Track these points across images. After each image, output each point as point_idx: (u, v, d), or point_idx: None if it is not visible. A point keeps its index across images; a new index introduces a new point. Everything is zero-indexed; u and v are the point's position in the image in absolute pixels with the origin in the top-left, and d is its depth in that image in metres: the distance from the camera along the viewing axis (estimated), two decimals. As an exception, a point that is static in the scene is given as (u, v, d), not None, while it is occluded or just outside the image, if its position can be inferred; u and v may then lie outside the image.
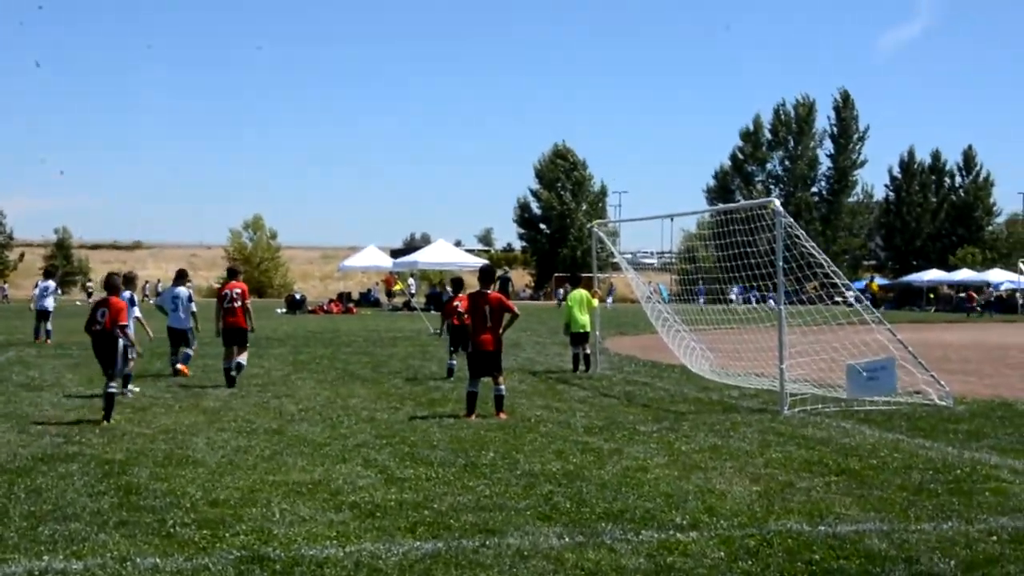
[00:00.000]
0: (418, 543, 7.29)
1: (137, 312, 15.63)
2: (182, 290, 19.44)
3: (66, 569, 6.59)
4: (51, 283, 28.86)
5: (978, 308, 61.23)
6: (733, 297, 30.34)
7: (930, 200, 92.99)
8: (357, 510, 8.28)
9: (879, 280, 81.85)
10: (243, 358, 17.63)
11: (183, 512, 8.13)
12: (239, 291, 17.57)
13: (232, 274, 18.51)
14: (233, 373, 17.13)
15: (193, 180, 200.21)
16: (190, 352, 19.15)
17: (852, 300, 16.02)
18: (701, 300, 26.65)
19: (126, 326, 13.45)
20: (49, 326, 27.89)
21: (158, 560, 6.80)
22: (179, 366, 18.72)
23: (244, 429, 12.48)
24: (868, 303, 16.33)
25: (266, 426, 12.74)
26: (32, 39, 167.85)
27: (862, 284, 64.06)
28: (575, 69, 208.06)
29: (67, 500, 8.53)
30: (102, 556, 6.89)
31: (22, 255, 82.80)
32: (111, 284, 13.99)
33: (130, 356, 14.48)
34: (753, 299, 33.13)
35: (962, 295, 66.73)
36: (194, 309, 19.32)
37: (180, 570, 6.59)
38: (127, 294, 15.56)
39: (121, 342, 13.35)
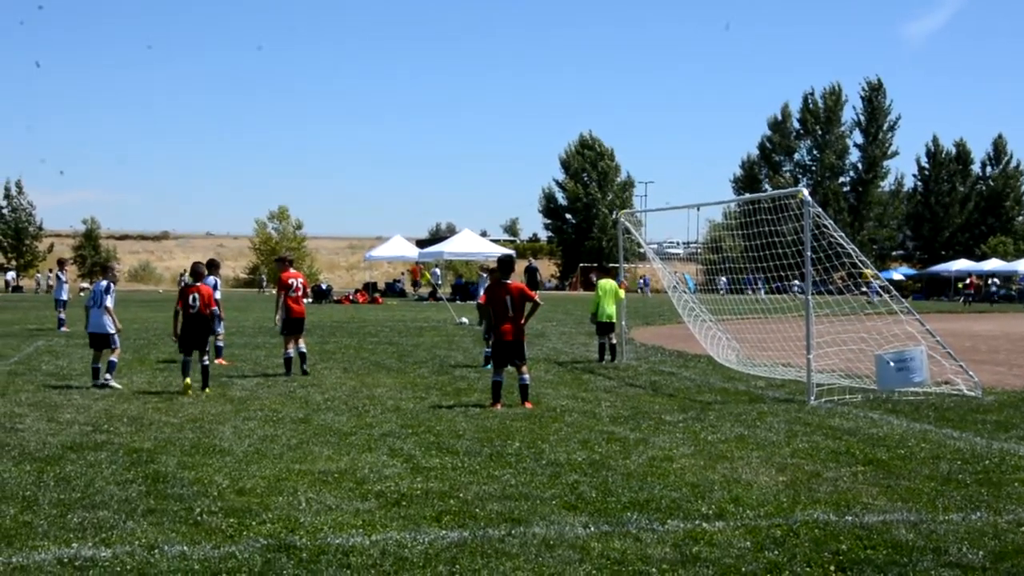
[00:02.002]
0: (444, 532, 7.30)
1: (110, 302, 15.98)
2: (210, 279, 19.65)
3: (95, 557, 6.64)
4: (59, 274, 29.59)
5: (971, 298, 61.27)
6: (721, 288, 30.18)
7: (958, 190, 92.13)
8: (383, 499, 8.30)
9: (903, 271, 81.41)
10: (304, 346, 17.80)
11: (210, 501, 8.18)
12: (301, 281, 17.84)
13: (286, 263, 18.43)
14: (306, 367, 17.46)
15: (219, 171, 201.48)
16: (221, 344, 19.50)
17: (879, 290, 15.88)
18: (762, 291, 26.49)
19: (216, 309, 15.79)
20: (62, 315, 28.36)
21: (186, 548, 6.84)
22: (218, 360, 18.96)
23: (270, 418, 12.54)
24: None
25: (292, 415, 12.79)
26: (34, 38, 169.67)
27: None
28: (600, 59, 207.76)
29: (96, 488, 8.59)
30: (130, 544, 6.94)
31: (51, 246, 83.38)
32: (197, 272, 15.66)
33: (114, 346, 15.67)
34: (769, 288, 32.89)
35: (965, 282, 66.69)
36: (218, 297, 19.51)
37: (207, 558, 6.63)
38: (104, 282, 16.12)
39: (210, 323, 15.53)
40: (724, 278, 27.73)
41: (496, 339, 13.93)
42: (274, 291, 18.11)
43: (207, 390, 14.91)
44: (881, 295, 15.60)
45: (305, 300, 18.06)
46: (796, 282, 22.12)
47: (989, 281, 67.71)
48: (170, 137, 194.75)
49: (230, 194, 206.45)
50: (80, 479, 8.94)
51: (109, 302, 15.85)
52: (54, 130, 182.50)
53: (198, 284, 15.36)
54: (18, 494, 8.36)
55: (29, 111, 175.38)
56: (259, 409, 13.32)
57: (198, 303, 15.09)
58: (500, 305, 13.83)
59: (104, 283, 16.16)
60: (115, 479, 8.97)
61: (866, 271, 17.52)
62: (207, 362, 15.21)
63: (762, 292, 30.16)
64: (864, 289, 17.20)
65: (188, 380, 14.76)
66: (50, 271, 73.69)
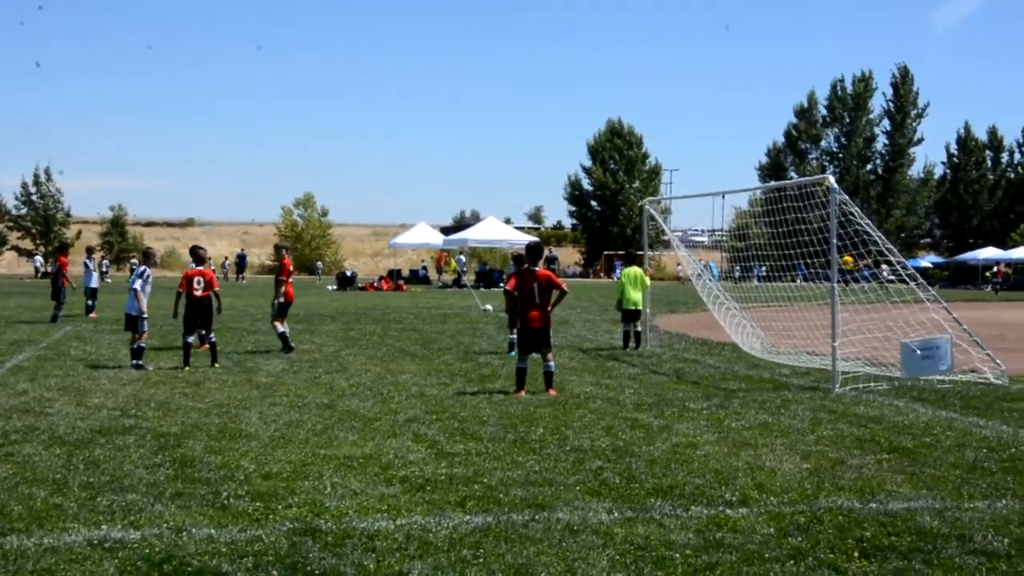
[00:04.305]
0: (468, 517, 7.34)
1: (138, 284, 16.39)
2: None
3: (124, 538, 6.71)
4: (87, 262, 29.96)
5: (999, 286, 60.81)
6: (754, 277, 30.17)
7: (987, 178, 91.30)
8: (407, 484, 8.35)
9: (930, 259, 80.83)
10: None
11: (237, 484, 8.25)
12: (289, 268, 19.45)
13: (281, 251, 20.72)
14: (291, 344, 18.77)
15: (245, 159, 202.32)
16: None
17: (906, 278, 15.75)
18: (800, 278, 26.46)
19: (219, 292, 16.66)
20: (90, 301, 28.66)
21: (213, 531, 6.91)
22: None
23: (296, 404, 12.62)
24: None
25: (318, 401, 12.87)
26: (35, 38, 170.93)
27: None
28: (626, 44, 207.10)
29: (124, 472, 8.69)
30: (158, 526, 7.02)
31: (79, 233, 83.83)
32: (199, 256, 16.65)
33: (140, 330, 16.09)
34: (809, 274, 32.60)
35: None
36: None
37: (234, 541, 6.70)
38: (142, 268, 16.57)
39: (215, 303, 16.44)
40: (757, 266, 27.59)
41: (522, 326, 13.95)
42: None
43: (216, 365, 16.12)
44: (871, 281, 15.48)
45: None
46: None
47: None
48: (196, 125, 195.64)
49: (256, 181, 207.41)
50: (109, 463, 9.04)
51: (137, 285, 16.24)
52: (81, 120, 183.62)
53: (203, 268, 16.51)
54: (48, 477, 8.46)
55: (63, 101, 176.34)
56: (284, 395, 13.41)
57: (203, 286, 16.24)
58: (527, 292, 13.84)
59: (142, 268, 16.69)
60: (143, 463, 9.06)
61: (847, 257, 17.30)
62: (214, 339, 16.57)
63: (800, 279, 30.01)
64: (892, 277, 16.96)
65: (188, 368, 15.76)
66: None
